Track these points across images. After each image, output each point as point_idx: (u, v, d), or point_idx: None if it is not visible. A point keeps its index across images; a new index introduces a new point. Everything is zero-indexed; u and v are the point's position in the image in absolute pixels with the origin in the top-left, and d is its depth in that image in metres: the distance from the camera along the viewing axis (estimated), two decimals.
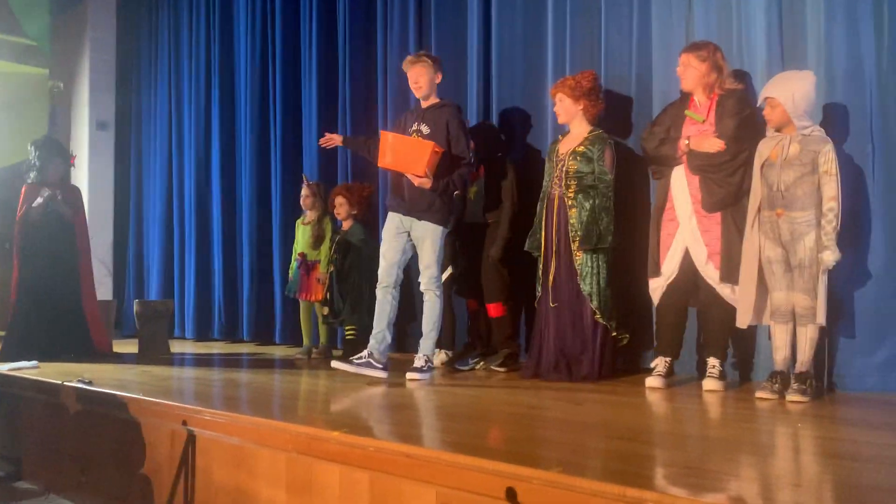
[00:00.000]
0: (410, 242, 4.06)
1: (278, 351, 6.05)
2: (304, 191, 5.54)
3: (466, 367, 4.36)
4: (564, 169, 4.03)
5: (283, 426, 2.74)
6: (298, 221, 5.66)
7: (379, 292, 4.01)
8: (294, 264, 5.49)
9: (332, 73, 6.18)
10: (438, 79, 4.14)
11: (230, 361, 5.49)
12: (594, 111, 4.13)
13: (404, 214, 4.02)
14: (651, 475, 2.07)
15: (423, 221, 4.00)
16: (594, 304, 3.93)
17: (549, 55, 4.79)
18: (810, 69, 3.65)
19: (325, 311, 5.15)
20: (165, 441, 3.18)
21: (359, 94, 5.96)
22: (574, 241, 3.96)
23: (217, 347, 6.66)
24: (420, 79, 4.08)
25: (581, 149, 4.02)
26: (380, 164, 4.12)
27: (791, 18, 3.84)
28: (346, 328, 5.12)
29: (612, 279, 4.00)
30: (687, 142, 3.67)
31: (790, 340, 3.35)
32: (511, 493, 2.03)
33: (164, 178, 8.05)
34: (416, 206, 4.01)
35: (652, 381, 3.66)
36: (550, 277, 4.04)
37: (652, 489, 1.85)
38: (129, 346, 5.98)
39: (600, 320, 3.94)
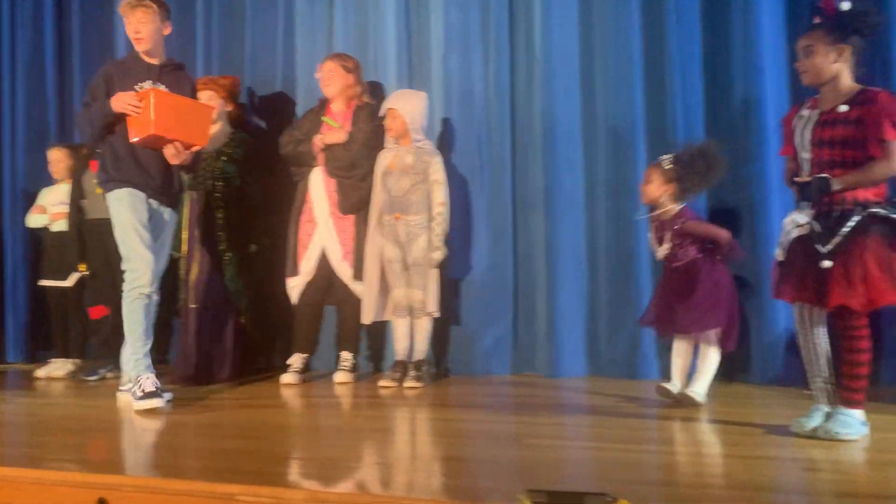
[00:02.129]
0: None
1: None
2: None
3: (95, 377, 4.03)
4: (209, 169, 3.95)
5: None
6: None
7: (136, 302, 3.12)
8: None
9: None
10: (167, 31, 3.33)
11: None
12: (234, 116, 4.18)
13: (151, 196, 3.24)
14: (245, 469, 2.12)
15: (169, 209, 3.32)
16: (241, 304, 3.93)
17: (199, 53, 4.67)
18: (434, 88, 4.08)
19: None
20: None
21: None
22: (222, 243, 3.91)
23: None
24: (142, 27, 3.24)
25: (227, 150, 3.98)
26: (142, 135, 3.07)
27: (418, 41, 4.24)
28: None
29: (256, 279, 4.03)
30: (321, 136, 3.84)
31: (409, 332, 3.68)
32: (102, 503, 1.95)
33: None
34: (166, 189, 3.28)
35: (287, 378, 3.76)
36: (192, 278, 3.93)
37: (247, 483, 1.90)
38: None
39: (244, 320, 3.94)
